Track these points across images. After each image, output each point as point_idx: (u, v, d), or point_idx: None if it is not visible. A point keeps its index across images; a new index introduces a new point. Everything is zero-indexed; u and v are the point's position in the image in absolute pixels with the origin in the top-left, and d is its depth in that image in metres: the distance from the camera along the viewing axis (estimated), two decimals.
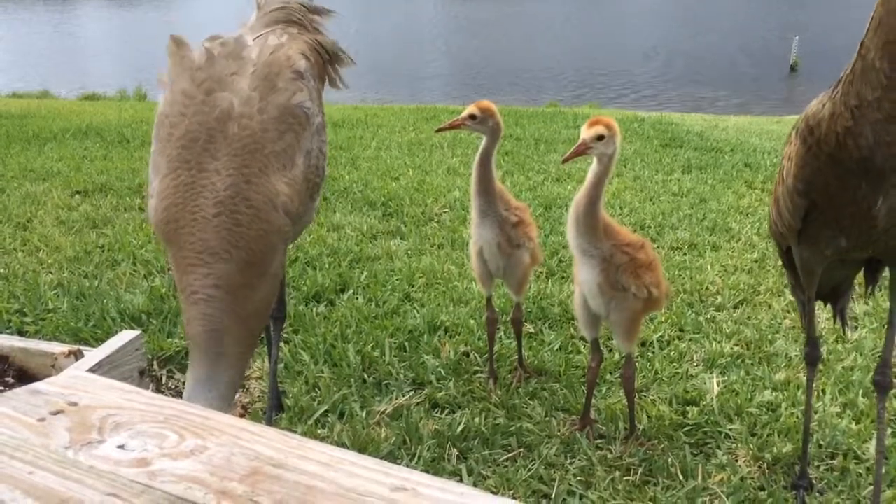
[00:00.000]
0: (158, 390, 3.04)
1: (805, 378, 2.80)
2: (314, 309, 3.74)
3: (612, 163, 2.47)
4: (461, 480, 2.52)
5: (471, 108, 2.73)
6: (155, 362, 3.22)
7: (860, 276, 2.59)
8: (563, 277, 4.13)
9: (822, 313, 3.66)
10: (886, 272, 2.31)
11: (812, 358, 2.48)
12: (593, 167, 2.46)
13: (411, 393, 3.06)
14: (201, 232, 1.99)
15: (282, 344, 3.39)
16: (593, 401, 2.93)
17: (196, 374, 1.99)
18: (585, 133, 2.41)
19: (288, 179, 2.14)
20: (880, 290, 3.66)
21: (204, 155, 2.06)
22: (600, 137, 2.41)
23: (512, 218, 2.91)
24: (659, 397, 3.03)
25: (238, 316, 2.01)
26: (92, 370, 2.00)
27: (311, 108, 2.29)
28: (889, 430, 2.80)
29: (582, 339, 3.40)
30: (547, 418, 2.90)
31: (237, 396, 3.06)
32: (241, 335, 2.04)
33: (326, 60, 2.60)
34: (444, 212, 5.33)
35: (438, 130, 2.89)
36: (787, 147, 2.14)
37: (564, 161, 2.45)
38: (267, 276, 2.10)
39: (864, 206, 1.94)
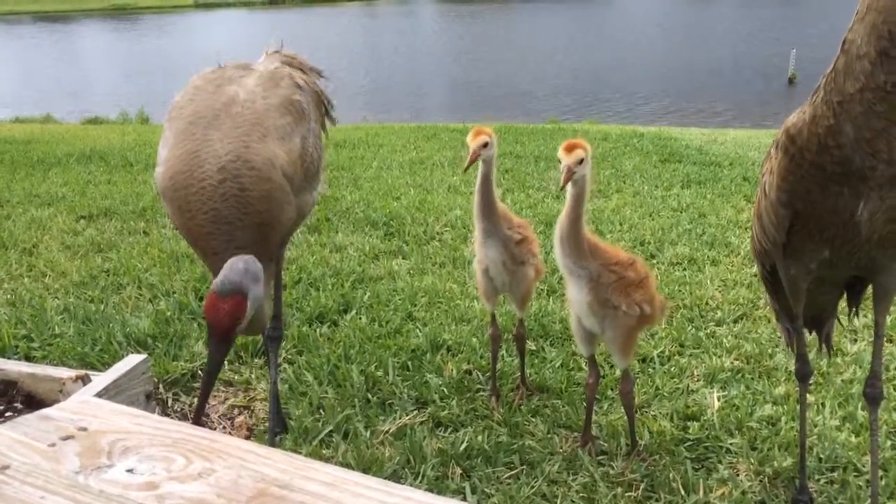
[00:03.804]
0: (165, 413, 3.07)
1: None
2: (318, 330, 3.77)
3: (588, 181, 2.51)
4: (465, 499, 2.54)
5: (481, 137, 2.76)
6: (161, 385, 3.25)
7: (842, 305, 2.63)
8: (563, 295, 4.15)
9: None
10: (869, 290, 2.34)
11: (802, 374, 2.50)
12: (570, 188, 2.49)
13: (415, 412, 3.08)
14: (211, 201, 2.16)
15: (286, 365, 3.42)
16: (595, 417, 2.96)
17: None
18: (568, 159, 2.43)
19: (286, 149, 2.33)
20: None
21: (209, 128, 2.26)
22: (581, 161, 2.46)
23: (515, 236, 2.96)
24: (660, 413, 3.05)
25: (265, 255, 2.26)
26: (99, 395, 2.03)
27: (308, 110, 2.53)
28: (889, 443, 2.82)
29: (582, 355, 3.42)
30: (549, 435, 2.92)
31: (242, 418, 3.09)
32: (271, 265, 2.34)
33: (323, 103, 2.86)
34: (446, 230, 5.37)
35: (465, 170, 2.98)
36: (767, 163, 2.18)
37: (562, 188, 2.49)
38: (280, 226, 2.31)
39: (846, 215, 1.97)
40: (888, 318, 3.57)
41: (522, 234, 2.98)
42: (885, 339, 2.31)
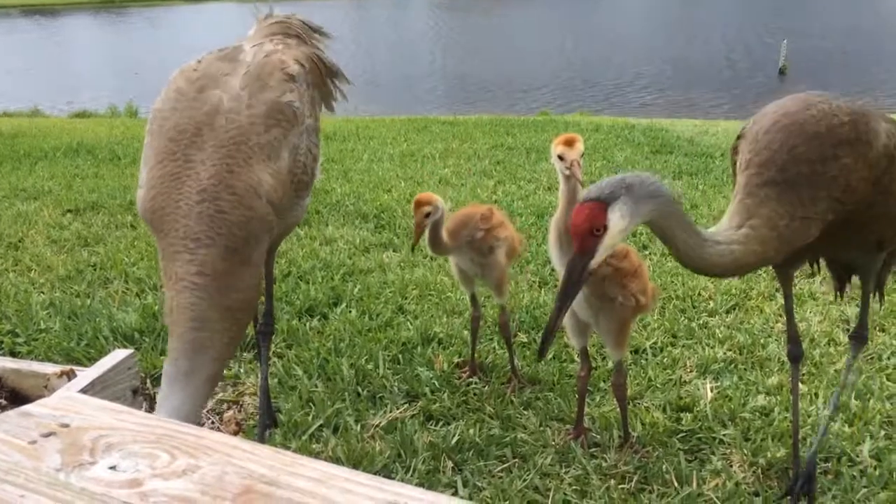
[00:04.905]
0: (152, 409, 3.03)
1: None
2: (307, 323, 3.74)
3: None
4: (456, 492, 2.52)
5: (422, 209, 2.80)
6: (148, 380, 3.22)
7: None
8: (555, 287, 4.13)
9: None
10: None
11: (794, 355, 2.52)
12: (562, 187, 2.47)
13: (405, 405, 3.06)
14: (185, 219, 2.05)
15: (275, 359, 3.39)
16: (587, 409, 2.94)
17: (176, 366, 2.01)
18: (571, 153, 2.41)
19: (272, 171, 2.20)
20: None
21: (191, 147, 2.13)
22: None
23: (477, 234, 2.99)
24: (653, 404, 3.03)
25: (221, 305, 2.05)
26: (84, 390, 2.00)
27: (301, 109, 2.36)
28: (882, 433, 2.82)
29: None
30: (541, 428, 2.90)
31: (231, 413, 3.06)
32: (225, 326, 2.07)
33: (325, 73, 2.65)
34: None
35: (413, 248, 3.00)
36: None
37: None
38: (249, 265, 2.14)
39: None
40: (881, 308, 3.58)
41: (483, 227, 3.00)
42: (870, 301, 2.40)
